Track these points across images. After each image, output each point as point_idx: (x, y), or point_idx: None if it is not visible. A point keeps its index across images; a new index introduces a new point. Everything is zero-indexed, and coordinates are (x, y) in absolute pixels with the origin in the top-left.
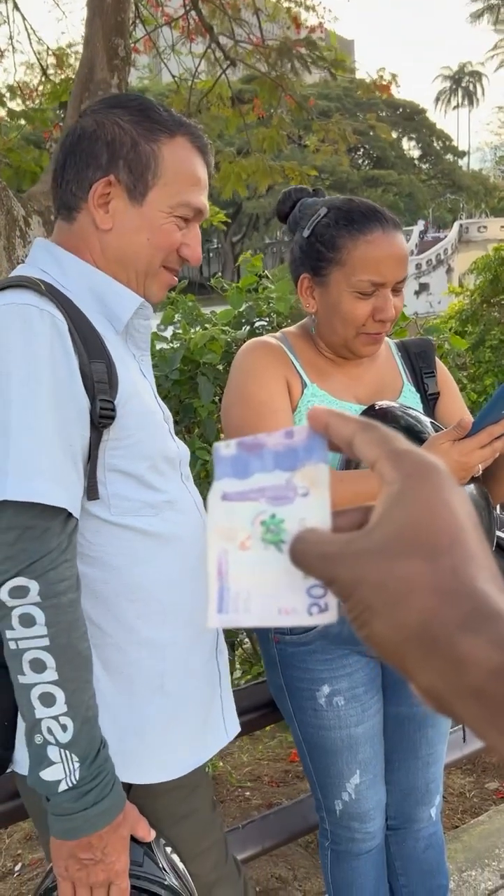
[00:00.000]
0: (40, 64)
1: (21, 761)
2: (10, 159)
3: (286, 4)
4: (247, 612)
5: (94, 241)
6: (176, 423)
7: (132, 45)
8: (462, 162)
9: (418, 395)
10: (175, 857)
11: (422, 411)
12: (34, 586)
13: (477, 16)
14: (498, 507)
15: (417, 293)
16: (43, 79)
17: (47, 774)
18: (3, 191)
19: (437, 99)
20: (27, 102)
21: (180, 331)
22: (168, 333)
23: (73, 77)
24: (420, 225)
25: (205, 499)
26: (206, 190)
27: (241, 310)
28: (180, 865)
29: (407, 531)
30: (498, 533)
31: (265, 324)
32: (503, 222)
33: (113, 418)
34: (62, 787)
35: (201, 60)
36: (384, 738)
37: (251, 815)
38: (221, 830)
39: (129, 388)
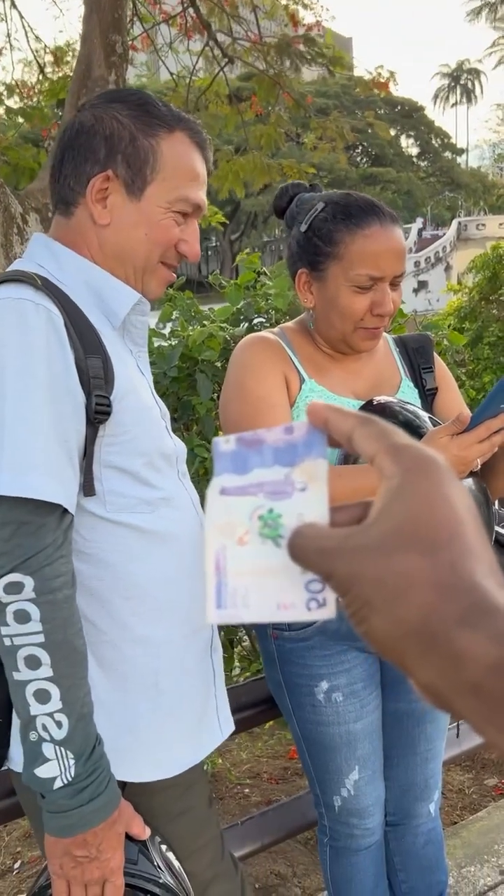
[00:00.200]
0: (38, 62)
1: (16, 758)
2: (8, 157)
3: (284, 2)
4: (245, 607)
5: (91, 237)
6: (174, 420)
7: (130, 42)
8: (460, 159)
9: (416, 391)
10: (170, 855)
11: (420, 406)
12: (29, 582)
13: (475, 13)
14: (496, 502)
15: (416, 291)
16: (40, 76)
17: (42, 771)
18: (0, 188)
19: (436, 96)
20: (25, 100)
21: (178, 328)
22: (166, 331)
23: (71, 74)
24: (419, 222)
25: (202, 496)
26: (205, 185)
27: (239, 306)
28: (176, 863)
29: (406, 526)
30: (496, 528)
31: (263, 320)
32: (501, 220)
33: (108, 414)
34: (57, 784)
35: (199, 58)
36: (383, 734)
37: (250, 811)
38: (218, 828)
39: (126, 384)
